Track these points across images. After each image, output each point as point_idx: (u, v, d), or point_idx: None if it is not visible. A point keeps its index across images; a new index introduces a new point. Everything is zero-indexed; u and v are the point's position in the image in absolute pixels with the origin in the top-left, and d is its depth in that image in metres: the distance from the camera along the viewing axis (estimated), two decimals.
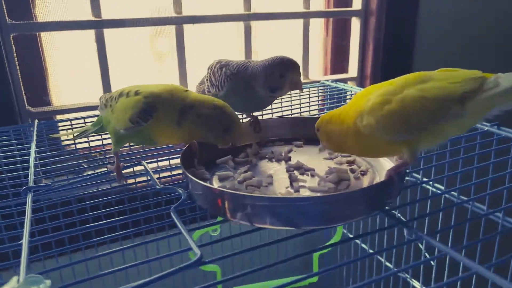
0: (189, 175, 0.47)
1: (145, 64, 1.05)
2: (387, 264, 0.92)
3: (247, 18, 1.05)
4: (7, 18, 0.84)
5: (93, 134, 0.65)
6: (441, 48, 1.24)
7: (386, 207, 0.45)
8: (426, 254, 0.83)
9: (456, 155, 0.68)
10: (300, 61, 1.15)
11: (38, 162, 0.64)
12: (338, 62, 1.25)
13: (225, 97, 0.63)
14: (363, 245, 0.98)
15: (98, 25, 0.92)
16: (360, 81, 1.23)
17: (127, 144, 0.74)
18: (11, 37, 0.86)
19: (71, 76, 1.01)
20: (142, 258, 0.42)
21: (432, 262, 0.82)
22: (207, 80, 0.67)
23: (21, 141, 0.75)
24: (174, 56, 1.02)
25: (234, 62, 0.64)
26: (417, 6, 1.16)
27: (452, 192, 0.68)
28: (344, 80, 1.24)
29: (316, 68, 1.26)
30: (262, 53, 1.14)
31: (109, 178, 0.58)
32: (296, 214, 0.42)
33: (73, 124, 0.81)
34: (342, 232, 0.76)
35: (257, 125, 0.65)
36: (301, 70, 0.60)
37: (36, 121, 0.81)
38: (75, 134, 0.64)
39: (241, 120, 0.54)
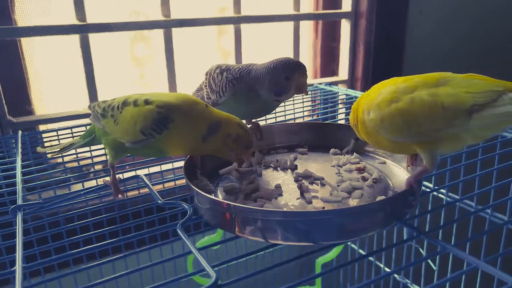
0: (196, 189, 0.44)
1: (127, 69, 1.01)
2: (386, 269, 0.90)
3: (237, 20, 1.02)
4: None
5: (80, 147, 0.60)
6: (431, 49, 1.24)
7: (405, 218, 0.43)
8: (431, 263, 0.81)
9: (458, 161, 0.66)
10: None
11: (24, 177, 0.59)
12: (328, 64, 1.24)
13: (227, 104, 0.60)
14: (361, 251, 0.96)
15: (83, 29, 0.88)
16: (351, 83, 1.22)
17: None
18: None
19: (54, 83, 0.96)
20: (147, 275, 0.39)
21: (433, 266, 0.81)
22: (205, 86, 0.64)
23: (3, 154, 0.70)
24: (156, 61, 0.98)
25: (235, 66, 0.60)
26: (406, 7, 1.16)
27: (467, 201, 0.67)
28: (335, 83, 1.22)
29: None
30: (251, 57, 1.11)
31: (104, 192, 0.55)
32: (314, 228, 0.39)
33: (60, 135, 0.77)
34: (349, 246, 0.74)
35: (259, 133, 0.63)
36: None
37: (20, 132, 0.76)
38: (62, 148, 0.59)
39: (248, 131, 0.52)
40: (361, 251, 0.97)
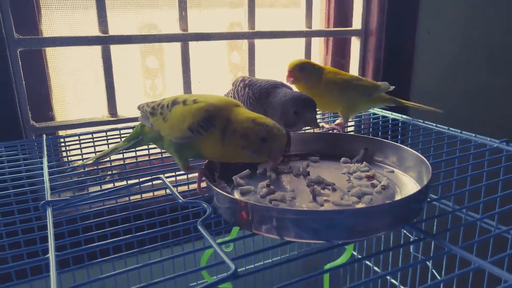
0: (215, 188, 0.47)
1: (138, 81, 1.05)
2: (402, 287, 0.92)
3: (251, 36, 1.07)
4: (14, 33, 0.84)
5: (125, 150, 0.63)
6: (439, 68, 1.28)
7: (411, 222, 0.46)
8: (435, 272, 0.83)
9: (464, 172, 0.69)
10: None
11: (51, 177, 0.63)
12: None
13: None
14: (375, 268, 0.98)
15: (105, 40, 0.92)
16: None
17: (147, 158, 0.73)
18: (18, 52, 0.85)
19: (74, 91, 1.00)
20: (169, 269, 0.41)
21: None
22: (231, 96, 0.67)
23: (29, 156, 0.74)
24: (168, 73, 1.02)
25: (258, 84, 0.63)
26: (415, 26, 1.20)
27: (472, 213, 0.69)
28: None
29: None
30: (263, 71, 1.15)
31: (127, 192, 0.58)
32: (326, 227, 0.42)
33: (81, 140, 0.80)
34: (352, 253, 0.76)
35: (288, 145, 0.65)
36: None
37: (44, 136, 0.80)
38: (104, 154, 0.62)
39: (283, 132, 0.50)
40: (369, 263, 0.99)
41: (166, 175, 0.58)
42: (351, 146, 0.65)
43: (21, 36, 0.85)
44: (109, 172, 0.72)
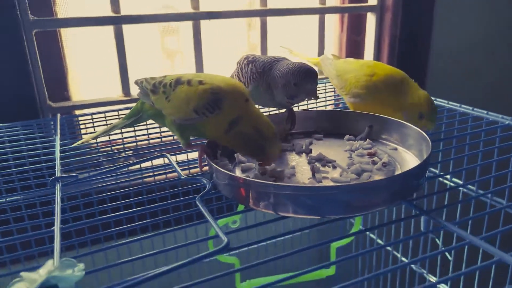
0: (214, 165, 0.48)
1: (157, 60, 1.06)
2: (403, 259, 0.92)
3: (264, 13, 1.06)
4: (29, 14, 0.86)
5: (124, 128, 0.64)
6: (459, 43, 1.24)
7: (409, 198, 0.46)
8: (443, 249, 0.83)
9: (475, 148, 0.68)
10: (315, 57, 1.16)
11: (62, 154, 0.65)
12: (353, 58, 1.25)
13: (251, 95, 0.64)
14: (379, 240, 0.99)
15: (117, 20, 0.93)
16: None
17: (146, 138, 0.75)
18: (33, 33, 0.87)
19: (89, 71, 1.02)
20: (171, 245, 0.43)
21: (449, 257, 0.82)
22: (235, 75, 0.67)
23: (44, 135, 0.76)
24: (185, 53, 1.03)
25: (261, 59, 0.63)
26: (433, 1, 1.16)
27: (470, 186, 0.69)
28: None
29: None
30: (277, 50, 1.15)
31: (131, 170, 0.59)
32: (321, 202, 0.42)
33: (94, 119, 0.83)
34: (360, 228, 0.76)
35: (293, 123, 0.65)
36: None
37: (59, 115, 0.82)
38: (103, 132, 0.63)
39: (277, 139, 0.52)
40: (379, 241, 0.99)
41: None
42: (357, 124, 0.65)
43: (36, 18, 0.87)
44: (110, 151, 0.73)
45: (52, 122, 0.82)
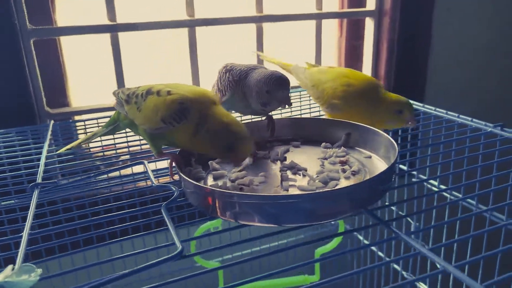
0: (181, 174, 0.49)
1: (157, 66, 1.08)
2: (395, 266, 0.92)
3: (259, 20, 1.07)
4: (27, 23, 0.89)
5: (104, 136, 0.66)
6: (459, 48, 1.22)
7: (370, 207, 0.46)
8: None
9: (460, 154, 0.67)
10: (313, 62, 1.16)
11: (47, 161, 0.67)
12: (352, 62, 1.25)
13: (228, 103, 0.65)
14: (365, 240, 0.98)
15: (113, 29, 0.95)
16: None
17: (126, 145, 0.76)
18: (31, 42, 0.90)
19: (88, 78, 1.05)
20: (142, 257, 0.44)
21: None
22: (215, 84, 0.69)
23: (35, 141, 0.79)
24: (184, 59, 1.05)
25: (238, 68, 0.64)
26: (433, 5, 1.15)
27: (448, 191, 0.69)
28: None
29: None
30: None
31: (110, 177, 0.61)
32: (277, 211, 0.43)
33: (87, 125, 0.85)
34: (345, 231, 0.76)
35: (272, 130, 0.66)
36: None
37: (52, 122, 0.85)
38: (84, 139, 0.65)
39: (248, 138, 0.52)
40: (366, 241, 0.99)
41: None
42: (335, 131, 0.65)
43: (33, 27, 0.90)
44: (90, 158, 0.75)
45: (45, 129, 0.85)
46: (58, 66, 0.98)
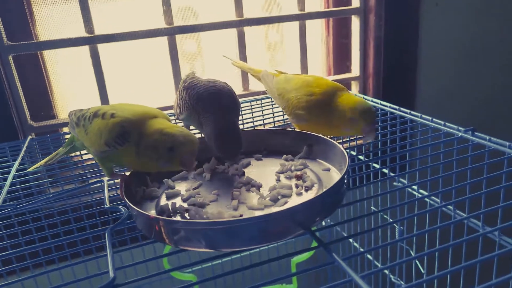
0: (124, 197, 0.49)
1: (141, 75, 1.08)
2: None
3: (239, 24, 1.05)
4: (5, 40, 0.90)
5: (66, 155, 0.67)
6: (448, 44, 1.19)
7: (313, 228, 0.45)
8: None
9: (435, 160, 0.66)
10: (298, 63, 1.15)
11: (17, 179, 0.68)
12: (341, 61, 1.23)
13: (186, 120, 0.64)
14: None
15: (91, 41, 0.96)
16: (363, 80, 1.20)
17: (89, 162, 0.76)
18: (10, 58, 0.91)
19: (75, 89, 1.06)
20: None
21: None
22: (176, 96, 0.67)
23: (13, 158, 0.79)
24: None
25: (196, 88, 0.61)
26: (419, 1, 1.12)
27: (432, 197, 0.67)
28: (347, 80, 1.21)
29: (319, 69, 1.24)
30: (259, 57, 1.14)
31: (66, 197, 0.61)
32: (211, 236, 0.42)
33: (65, 138, 0.85)
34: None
35: (238, 145, 0.64)
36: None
37: (30, 137, 0.86)
38: (47, 162, 0.65)
39: (190, 140, 0.50)
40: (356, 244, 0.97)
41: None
42: (299, 142, 0.63)
43: (11, 43, 0.91)
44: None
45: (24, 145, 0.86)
46: (42, 79, 0.99)
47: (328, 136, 0.61)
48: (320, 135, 0.61)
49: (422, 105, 1.20)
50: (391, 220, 0.87)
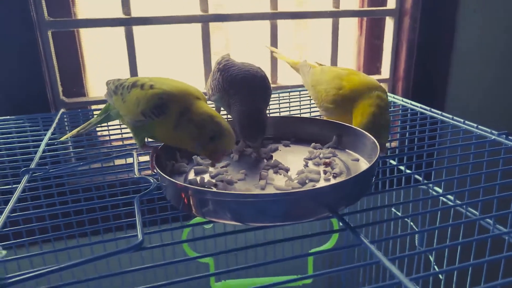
0: (155, 167, 0.50)
1: (171, 60, 1.10)
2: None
3: (273, 16, 1.06)
4: (46, 15, 0.92)
5: (98, 125, 0.68)
6: (484, 51, 1.17)
7: (340, 211, 0.45)
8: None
9: (463, 161, 0.65)
10: (328, 61, 1.14)
11: (46, 148, 0.69)
12: (372, 62, 1.22)
13: (217, 101, 0.64)
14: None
15: (127, 22, 0.97)
16: (392, 83, 1.19)
17: (120, 137, 0.78)
18: (49, 33, 0.93)
19: (106, 69, 1.08)
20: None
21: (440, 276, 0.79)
22: (210, 77, 0.68)
23: (45, 128, 0.82)
24: (198, 53, 1.05)
25: (230, 71, 0.62)
26: (456, 5, 1.10)
27: (449, 196, 0.66)
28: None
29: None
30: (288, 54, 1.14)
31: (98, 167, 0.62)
32: (240, 209, 0.43)
33: (95, 115, 0.87)
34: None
35: (264, 128, 0.64)
36: None
37: (62, 110, 0.88)
38: (80, 131, 0.67)
39: (232, 136, 0.52)
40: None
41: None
42: (328, 132, 0.63)
43: (51, 19, 0.93)
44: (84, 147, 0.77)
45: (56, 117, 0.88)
46: (77, 57, 1.02)
47: None
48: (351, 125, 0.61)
49: (453, 111, 1.18)
50: (412, 224, 0.86)
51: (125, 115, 0.56)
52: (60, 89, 0.99)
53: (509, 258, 0.45)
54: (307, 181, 0.51)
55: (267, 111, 0.70)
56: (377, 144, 0.53)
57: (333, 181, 0.51)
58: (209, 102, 0.70)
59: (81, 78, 1.04)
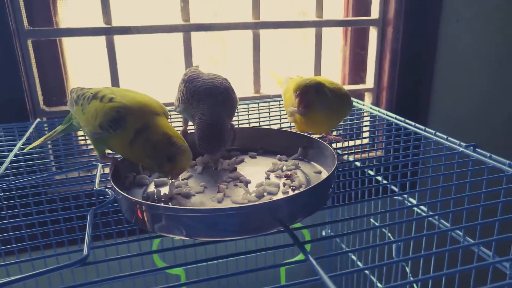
0: (111, 181, 0.49)
1: (154, 69, 1.10)
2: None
3: (255, 26, 1.06)
4: (26, 24, 0.92)
5: (63, 133, 0.67)
6: (469, 62, 1.16)
7: (291, 225, 0.44)
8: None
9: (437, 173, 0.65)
10: (312, 71, 1.14)
11: (14, 158, 0.69)
12: (356, 72, 1.22)
13: (181, 113, 0.64)
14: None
15: (107, 31, 0.98)
16: (377, 93, 1.19)
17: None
18: (29, 42, 0.94)
19: (89, 78, 1.08)
20: None
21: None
22: (178, 88, 0.68)
23: (18, 138, 0.81)
24: (180, 63, 1.06)
25: (196, 80, 0.62)
26: (439, 15, 1.10)
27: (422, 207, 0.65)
28: (361, 91, 1.20)
29: (334, 78, 1.23)
30: (273, 62, 1.15)
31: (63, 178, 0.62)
32: (186, 224, 0.42)
33: None
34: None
35: (233, 139, 0.65)
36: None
37: (37, 120, 0.88)
38: (46, 139, 0.66)
39: (189, 152, 0.51)
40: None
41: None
42: (295, 143, 0.63)
43: (30, 28, 0.93)
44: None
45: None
46: (59, 66, 1.02)
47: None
48: (316, 137, 0.60)
49: (436, 120, 1.18)
50: (390, 235, 0.85)
51: (84, 126, 0.56)
52: (41, 98, 0.99)
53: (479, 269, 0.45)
54: (265, 194, 0.51)
55: (235, 122, 0.70)
56: (335, 155, 0.52)
57: (290, 194, 0.51)
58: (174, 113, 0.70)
59: (63, 87, 1.04)
